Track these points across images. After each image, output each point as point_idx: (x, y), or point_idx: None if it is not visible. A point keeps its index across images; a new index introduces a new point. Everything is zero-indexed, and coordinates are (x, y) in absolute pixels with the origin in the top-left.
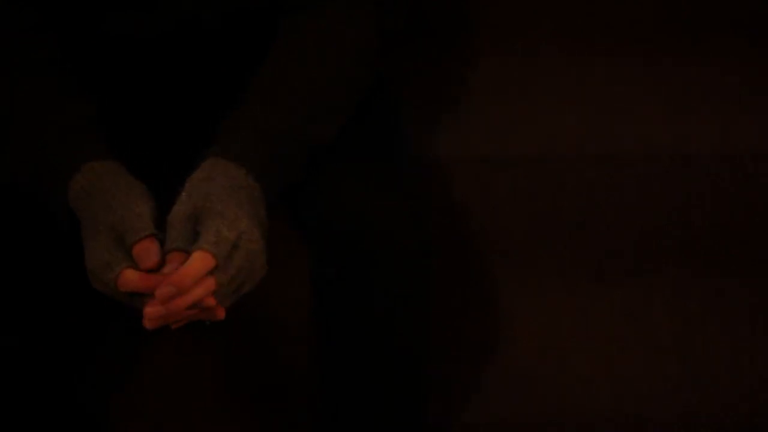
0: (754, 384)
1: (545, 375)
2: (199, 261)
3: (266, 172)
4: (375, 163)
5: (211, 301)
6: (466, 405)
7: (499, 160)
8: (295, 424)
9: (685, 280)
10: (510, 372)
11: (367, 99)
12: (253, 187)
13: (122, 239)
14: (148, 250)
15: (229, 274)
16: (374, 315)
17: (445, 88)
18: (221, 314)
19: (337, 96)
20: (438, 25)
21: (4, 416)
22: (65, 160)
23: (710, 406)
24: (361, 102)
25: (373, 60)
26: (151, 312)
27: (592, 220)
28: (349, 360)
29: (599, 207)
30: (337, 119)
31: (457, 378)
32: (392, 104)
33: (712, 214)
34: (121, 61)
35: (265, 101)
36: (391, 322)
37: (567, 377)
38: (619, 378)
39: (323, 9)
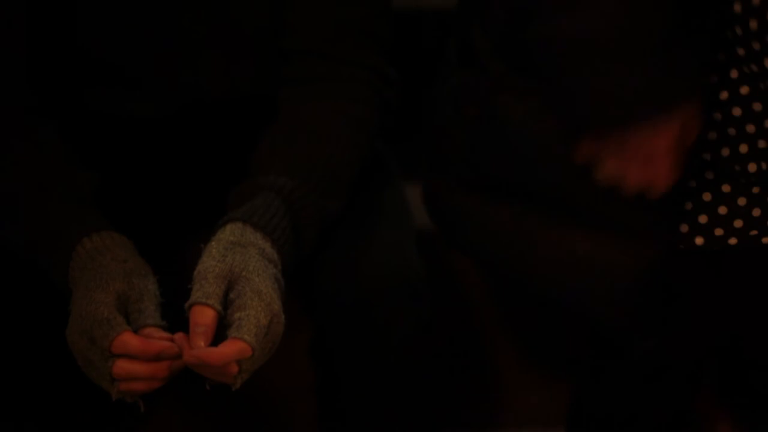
0: None
1: None
2: (236, 349)
3: (287, 244)
4: (375, 233)
5: (233, 369)
6: None
7: None
8: None
9: None
10: None
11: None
12: (277, 261)
13: (125, 307)
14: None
15: (257, 357)
16: (376, 386)
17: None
18: (237, 384)
19: (343, 167)
20: None
21: None
22: (68, 230)
23: None
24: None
25: (375, 132)
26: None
27: None
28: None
29: None
30: (344, 190)
31: None
32: (388, 173)
33: None
34: (122, 138)
35: (281, 172)
36: (394, 395)
37: None
38: None
39: (328, 82)
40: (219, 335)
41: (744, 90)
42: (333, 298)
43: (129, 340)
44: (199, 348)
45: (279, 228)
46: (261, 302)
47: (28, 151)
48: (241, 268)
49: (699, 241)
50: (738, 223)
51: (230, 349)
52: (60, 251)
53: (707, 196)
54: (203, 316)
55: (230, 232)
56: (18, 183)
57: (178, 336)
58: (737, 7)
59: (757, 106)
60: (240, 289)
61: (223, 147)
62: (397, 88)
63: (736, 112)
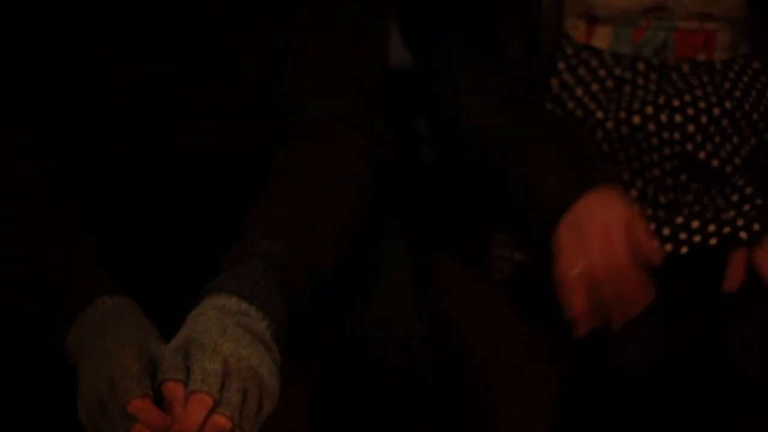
0: None
1: None
2: (195, 403)
3: (276, 306)
4: (372, 290)
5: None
6: None
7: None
8: None
9: None
10: None
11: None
12: (244, 311)
13: (148, 366)
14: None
15: (234, 402)
16: None
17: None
18: None
19: (335, 225)
20: None
21: None
22: (82, 291)
23: None
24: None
25: (369, 189)
26: None
27: None
28: None
29: None
30: (338, 246)
31: None
32: (385, 229)
33: None
34: (123, 196)
35: (265, 231)
36: None
37: None
38: None
39: (321, 141)
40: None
41: None
42: (330, 357)
43: (148, 408)
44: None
45: (246, 283)
46: (204, 352)
47: (37, 208)
48: (190, 334)
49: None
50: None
51: (190, 407)
52: (71, 312)
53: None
54: (169, 391)
55: (198, 306)
56: (27, 239)
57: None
58: None
59: None
60: (189, 351)
61: (220, 205)
62: (391, 145)
63: None
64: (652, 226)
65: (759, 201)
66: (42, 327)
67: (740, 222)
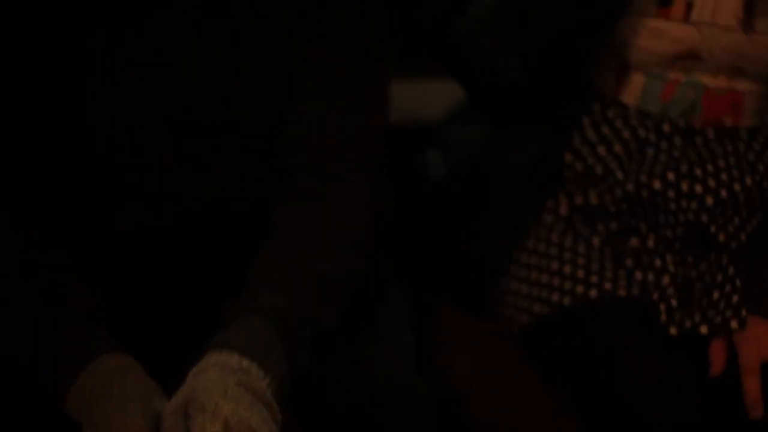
0: None
1: None
2: None
3: (266, 354)
4: (374, 348)
5: None
6: None
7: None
8: None
9: None
10: None
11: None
12: (245, 369)
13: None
14: None
15: None
16: None
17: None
18: None
19: (336, 282)
20: None
21: None
22: (85, 350)
23: None
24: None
25: (370, 246)
26: None
27: None
28: None
29: None
30: (338, 301)
31: None
32: (386, 286)
33: None
34: (123, 252)
35: (267, 285)
36: None
37: None
38: None
39: (322, 197)
40: None
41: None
42: (330, 418)
43: None
44: None
45: (246, 338)
46: (204, 414)
47: (37, 266)
48: (190, 394)
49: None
50: None
51: None
52: (72, 371)
53: None
54: None
55: (198, 364)
56: (27, 298)
57: None
58: None
59: None
60: (190, 412)
61: (221, 260)
62: (391, 199)
63: None
64: (655, 295)
65: (739, 283)
66: (43, 387)
67: (728, 313)
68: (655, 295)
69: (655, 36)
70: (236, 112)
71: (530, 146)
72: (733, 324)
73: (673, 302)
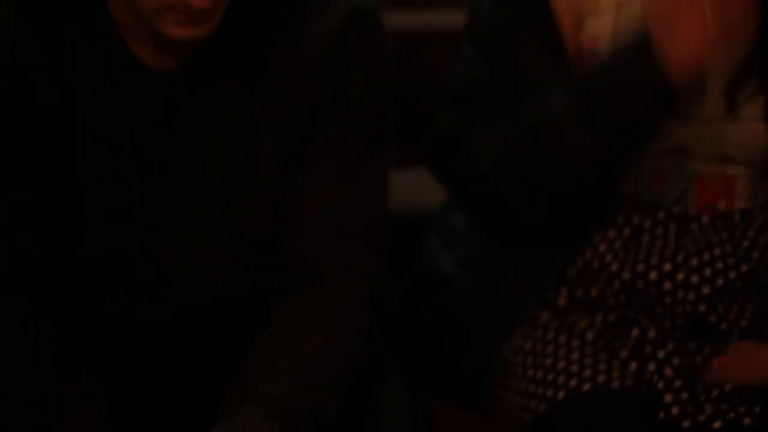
0: None
1: None
2: None
3: None
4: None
5: None
6: None
7: None
8: None
9: None
10: None
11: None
12: None
13: None
14: None
15: None
16: None
17: None
18: None
19: (335, 371)
20: None
21: None
22: None
23: None
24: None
25: (370, 335)
26: None
27: None
28: None
29: None
30: (338, 391)
31: None
32: (385, 374)
33: None
34: (123, 343)
35: (266, 375)
36: None
37: None
38: None
39: (322, 286)
40: None
41: None
42: None
43: None
44: None
45: (255, 429)
46: None
47: (38, 359)
48: None
49: None
50: None
51: None
52: None
53: None
54: None
55: None
56: (27, 392)
57: None
58: None
59: None
60: None
61: (220, 350)
62: (392, 289)
63: None
64: (661, 385)
65: None
66: None
67: (742, 409)
68: (661, 385)
69: None
70: (237, 205)
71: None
72: (746, 421)
73: (684, 395)
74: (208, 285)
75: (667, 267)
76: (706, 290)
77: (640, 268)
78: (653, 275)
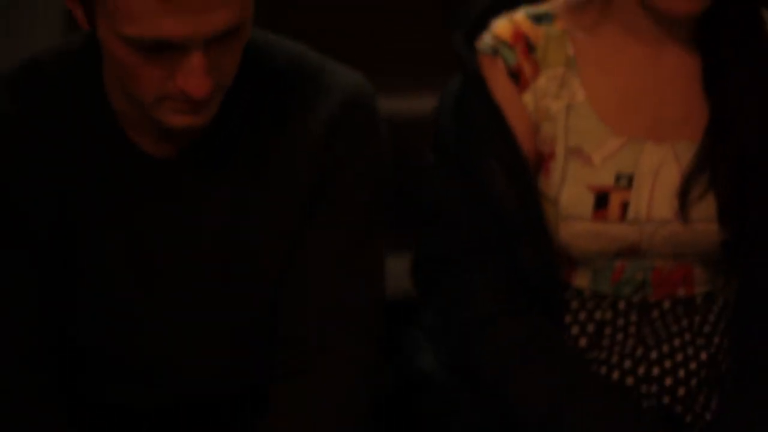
0: None
1: None
2: None
3: None
4: None
5: None
6: None
7: None
8: None
9: None
10: None
11: None
12: None
13: None
14: None
15: None
16: None
17: None
18: None
19: None
20: None
21: None
22: None
23: None
24: None
25: (365, 420)
26: None
27: None
28: None
29: None
30: None
31: None
32: None
33: None
34: (119, 427)
35: None
36: None
37: None
38: None
39: (318, 373)
40: None
41: None
42: None
43: None
44: None
45: None
46: None
47: None
48: None
49: None
50: None
51: None
52: None
53: None
54: None
55: None
56: None
57: None
58: None
59: None
60: None
61: None
62: (388, 375)
63: None
64: None
65: None
66: None
67: None
68: None
69: (595, 238)
70: (235, 292)
71: None
72: None
73: None
74: (207, 372)
75: (628, 364)
76: (668, 382)
77: (603, 369)
78: (615, 374)
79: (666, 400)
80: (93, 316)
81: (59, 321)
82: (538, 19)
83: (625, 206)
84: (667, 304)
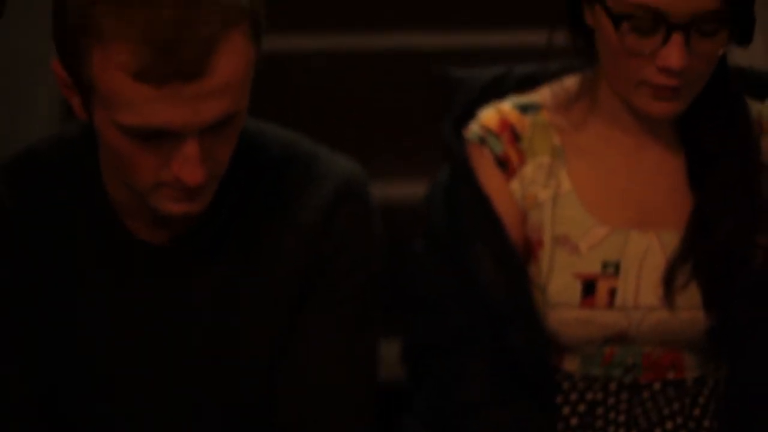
0: None
1: None
2: None
3: None
4: None
5: None
6: None
7: None
8: None
9: None
10: None
11: None
12: None
13: None
14: None
15: None
16: None
17: None
18: None
19: None
20: None
21: None
22: None
23: None
24: None
25: None
26: None
27: None
28: None
29: None
30: None
31: None
32: None
33: None
34: None
35: None
36: None
37: None
38: None
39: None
40: None
41: None
42: None
43: None
44: None
45: None
46: None
47: None
48: None
49: None
50: None
51: None
52: None
53: None
54: None
55: None
56: None
57: None
58: None
59: None
60: None
61: None
62: None
63: None
64: None
65: None
66: None
67: None
68: None
69: (583, 325)
70: (227, 378)
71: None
72: None
73: None
74: None
75: None
76: None
77: None
78: None
79: None
80: (81, 398)
81: (50, 399)
82: (524, 109)
83: (612, 293)
84: (657, 386)
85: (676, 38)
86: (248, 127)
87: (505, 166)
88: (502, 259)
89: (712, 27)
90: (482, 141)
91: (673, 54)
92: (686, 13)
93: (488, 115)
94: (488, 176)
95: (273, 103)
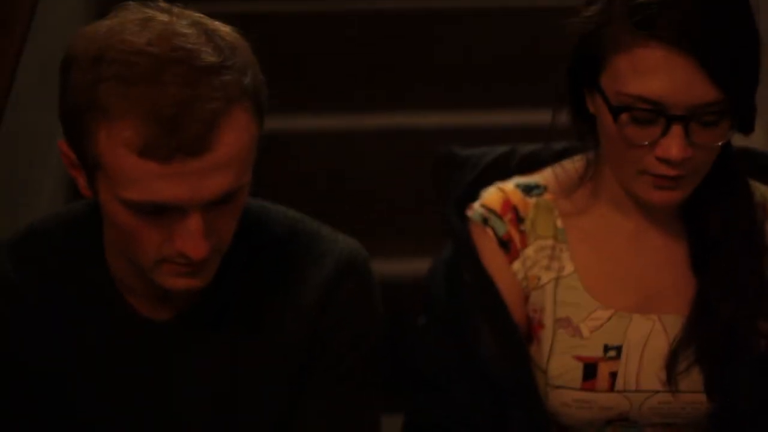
0: None
1: None
2: None
3: None
4: None
5: None
6: None
7: None
8: None
9: None
10: None
11: None
12: None
13: None
14: None
15: None
16: None
17: None
18: None
19: None
20: None
21: None
22: None
23: None
24: None
25: None
26: None
27: None
28: None
29: None
30: None
31: None
32: None
33: None
34: None
35: None
36: None
37: None
38: None
39: None
40: None
41: None
42: None
43: None
44: None
45: None
46: None
47: None
48: None
49: None
50: None
51: None
52: None
53: None
54: None
55: None
56: None
57: None
58: None
59: None
60: None
61: None
62: None
63: None
64: None
65: None
66: None
67: None
68: None
69: (585, 407)
70: None
71: None
72: None
73: None
74: None
75: None
76: None
77: None
78: None
79: None
80: None
81: None
82: (527, 190)
83: (613, 376)
84: None
85: (676, 129)
86: (252, 204)
87: (507, 247)
88: (503, 337)
89: (712, 118)
90: (485, 221)
91: (673, 145)
92: (685, 105)
93: (491, 196)
94: (490, 257)
95: (274, 183)
